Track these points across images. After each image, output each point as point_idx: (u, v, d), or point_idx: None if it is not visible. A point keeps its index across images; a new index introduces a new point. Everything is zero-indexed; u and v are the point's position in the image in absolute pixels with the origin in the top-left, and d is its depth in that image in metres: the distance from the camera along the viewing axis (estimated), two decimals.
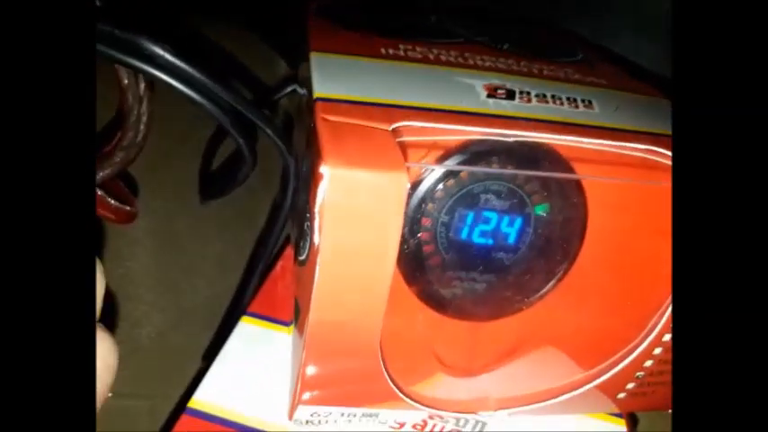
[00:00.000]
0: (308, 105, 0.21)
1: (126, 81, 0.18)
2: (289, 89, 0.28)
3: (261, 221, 0.30)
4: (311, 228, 0.16)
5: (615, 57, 0.30)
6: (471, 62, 0.24)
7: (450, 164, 0.20)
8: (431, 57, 0.23)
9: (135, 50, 0.17)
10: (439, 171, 0.20)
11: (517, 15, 0.39)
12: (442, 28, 0.29)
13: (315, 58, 0.21)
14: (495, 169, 0.20)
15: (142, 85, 0.19)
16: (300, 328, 0.18)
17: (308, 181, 0.17)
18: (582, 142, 0.19)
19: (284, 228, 0.25)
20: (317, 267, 0.16)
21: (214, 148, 0.32)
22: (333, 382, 0.19)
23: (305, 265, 0.17)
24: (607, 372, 0.22)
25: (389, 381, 0.19)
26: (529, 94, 0.21)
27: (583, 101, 0.22)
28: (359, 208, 0.15)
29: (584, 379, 0.22)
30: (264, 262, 0.25)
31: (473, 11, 0.36)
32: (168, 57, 0.17)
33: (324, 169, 0.14)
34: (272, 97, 0.29)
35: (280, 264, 0.27)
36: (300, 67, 0.30)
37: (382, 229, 0.15)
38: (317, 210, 0.15)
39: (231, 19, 0.38)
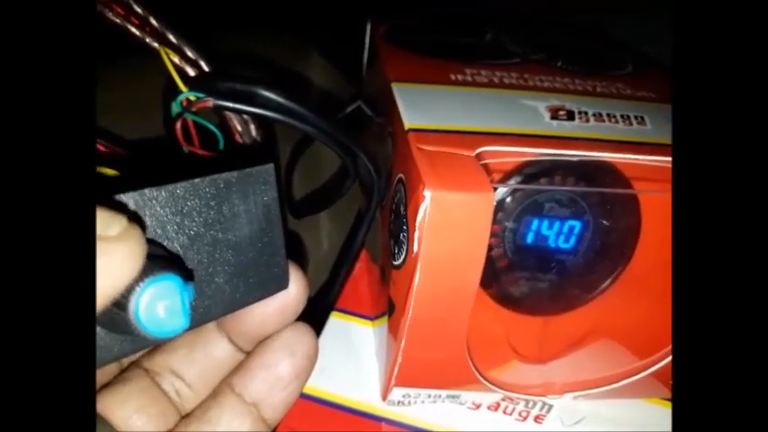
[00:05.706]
0: (387, 125, 0.24)
1: (239, 127, 0.21)
2: (353, 106, 0.31)
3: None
4: (408, 238, 0.19)
5: (662, 65, 0.32)
6: (531, 83, 0.27)
7: (519, 180, 0.23)
8: (495, 80, 0.26)
9: (253, 99, 0.19)
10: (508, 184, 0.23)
11: (563, 22, 0.41)
12: (499, 46, 0.32)
13: (397, 88, 0.24)
14: (558, 186, 0.23)
15: (252, 127, 0.22)
16: (395, 322, 0.21)
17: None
18: (636, 159, 0.21)
19: (367, 234, 0.28)
20: (417, 272, 0.19)
21: (291, 172, 0.35)
22: (424, 368, 0.22)
23: (401, 269, 0.21)
24: (661, 360, 0.24)
25: (472, 367, 0.22)
26: (587, 113, 0.24)
27: (636, 117, 0.24)
28: (453, 223, 0.18)
29: (641, 366, 0.24)
30: (351, 264, 0.28)
31: (523, 23, 0.38)
32: (281, 100, 0.20)
33: (426, 192, 0.18)
34: (338, 115, 0.32)
35: (358, 266, 0.31)
36: (365, 82, 0.33)
37: (472, 240, 0.18)
38: (417, 224, 0.18)
39: (287, 35, 0.41)
